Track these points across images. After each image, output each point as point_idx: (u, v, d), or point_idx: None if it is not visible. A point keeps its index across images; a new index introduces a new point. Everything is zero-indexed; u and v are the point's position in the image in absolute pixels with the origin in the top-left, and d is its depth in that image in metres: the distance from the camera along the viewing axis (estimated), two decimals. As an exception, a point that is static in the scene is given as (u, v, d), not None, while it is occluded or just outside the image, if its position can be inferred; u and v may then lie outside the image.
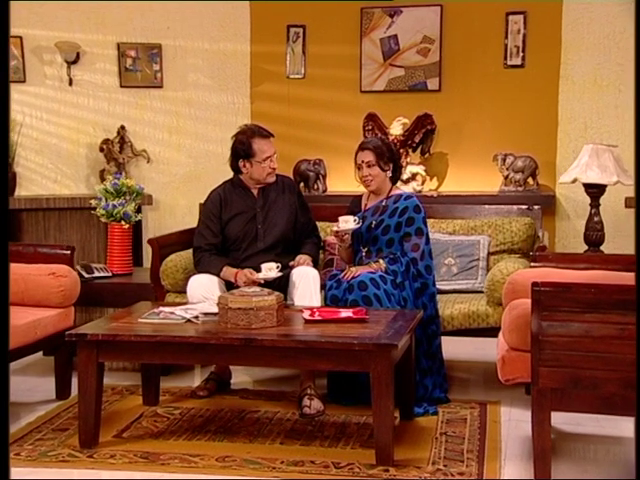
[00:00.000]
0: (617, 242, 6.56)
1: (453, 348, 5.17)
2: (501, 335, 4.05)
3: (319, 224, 5.40)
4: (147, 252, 6.96)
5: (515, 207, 5.59)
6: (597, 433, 4.30)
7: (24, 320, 4.48)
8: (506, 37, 6.96)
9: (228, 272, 4.88)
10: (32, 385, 5.16)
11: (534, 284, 3.59)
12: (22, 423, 4.47)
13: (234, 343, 4.01)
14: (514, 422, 4.46)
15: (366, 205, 5.02)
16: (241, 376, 5.26)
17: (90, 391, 4.11)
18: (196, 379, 5.38)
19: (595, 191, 5.44)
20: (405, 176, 6.77)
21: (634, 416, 3.61)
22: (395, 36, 7.09)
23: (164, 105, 7.32)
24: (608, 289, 3.53)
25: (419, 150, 6.92)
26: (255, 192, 5.09)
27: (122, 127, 7.15)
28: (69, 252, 4.92)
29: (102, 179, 7.10)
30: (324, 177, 6.99)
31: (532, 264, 4.49)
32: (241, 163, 5.02)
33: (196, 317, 4.30)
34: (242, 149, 5.00)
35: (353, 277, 4.68)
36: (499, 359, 3.85)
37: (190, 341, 4.07)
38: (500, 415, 4.56)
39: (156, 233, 7.01)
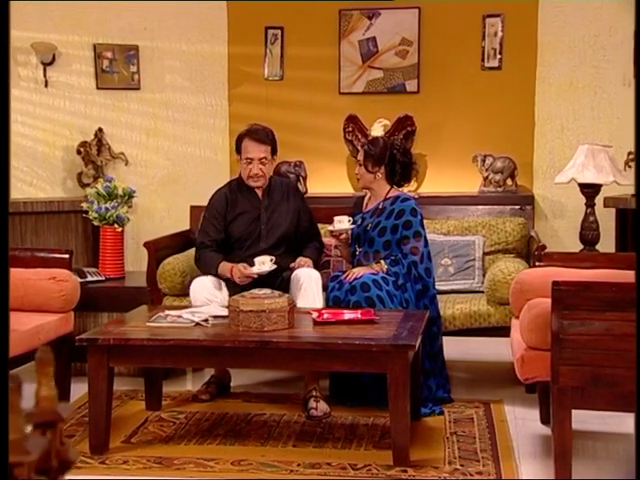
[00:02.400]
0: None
1: (450, 348, 5.18)
2: (517, 334, 4.09)
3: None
4: (128, 255, 6.88)
5: (508, 207, 5.65)
6: (604, 430, 4.36)
7: (28, 326, 4.41)
8: (483, 39, 7.03)
9: (224, 268, 4.88)
10: (27, 392, 5.05)
11: (555, 283, 3.62)
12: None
13: (249, 346, 4.00)
14: (520, 421, 4.51)
15: (367, 206, 5.06)
16: (238, 379, 5.22)
17: (101, 396, 4.06)
18: (188, 383, 5.35)
19: (591, 191, 5.53)
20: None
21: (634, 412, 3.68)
22: (374, 38, 7.11)
23: (141, 107, 7.24)
24: (628, 287, 3.58)
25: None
26: (260, 193, 5.07)
27: (100, 129, 7.06)
28: (67, 256, 4.85)
29: (80, 182, 7.02)
30: (305, 179, 6.98)
31: (537, 263, 4.53)
32: (237, 157, 5.07)
33: (205, 320, 4.27)
34: (237, 144, 5.06)
35: (355, 278, 4.69)
36: (518, 358, 3.88)
37: (204, 344, 4.05)
38: (505, 414, 4.60)
39: (135, 236, 6.96)
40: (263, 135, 5.01)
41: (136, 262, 6.82)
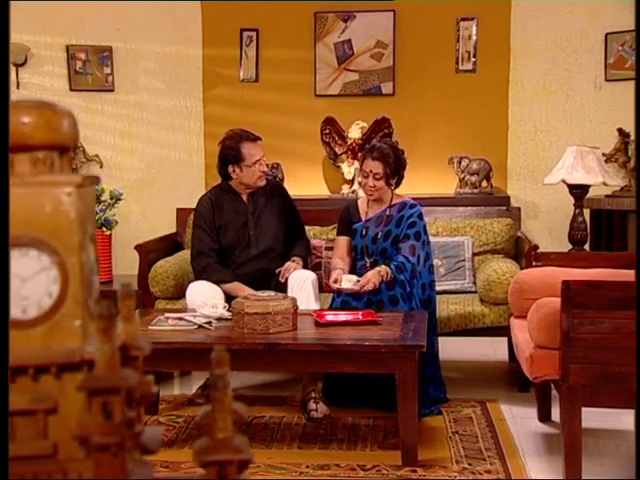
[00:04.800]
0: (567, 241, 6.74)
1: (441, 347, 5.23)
2: (521, 333, 4.13)
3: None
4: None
5: (495, 208, 5.71)
6: (602, 427, 4.42)
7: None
8: (457, 42, 7.09)
9: (237, 287, 4.78)
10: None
11: (564, 282, 3.67)
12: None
13: (257, 348, 3.99)
14: (518, 419, 4.55)
15: (367, 214, 4.91)
16: (231, 382, 5.18)
17: (106, 401, 4.01)
18: (177, 387, 5.32)
19: (579, 192, 5.61)
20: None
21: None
22: (349, 41, 7.13)
23: (116, 109, 7.16)
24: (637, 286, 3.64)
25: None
26: (245, 197, 5.03)
27: (74, 131, 6.95)
28: (61, 259, 4.77)
29: (53, 185, 6.92)
30: (282, 181, 6.97)
31: (534, 263, 4.59)
32: (230, 169, 4.96)
33: (209, 323, 4.25)
34: (231, 154, 4.93)
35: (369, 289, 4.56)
36: (527, 357, 3.91)
37: (211, 347, 4.01)
38: (502, 412, 4.65)
39: (110, 239, 6.87)
40: (253, 135, 5.01)
41: (113, 265, 6.74)
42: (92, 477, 1.16)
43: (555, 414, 4.49)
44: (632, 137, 6.60)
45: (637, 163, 5.76)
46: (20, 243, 1.29)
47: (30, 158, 1.35)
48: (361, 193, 6.72)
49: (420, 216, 4.79)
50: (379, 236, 4.82)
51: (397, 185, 4.90)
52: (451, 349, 5.57)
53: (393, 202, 4.88)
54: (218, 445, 1.30)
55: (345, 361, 3.99)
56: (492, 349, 5.78)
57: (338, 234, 5.04)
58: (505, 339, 5.44)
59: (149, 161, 7.25)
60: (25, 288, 1.29)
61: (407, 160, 4.94)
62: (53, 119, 1.36)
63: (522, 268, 4.98)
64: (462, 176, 6.87)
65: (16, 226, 1.28)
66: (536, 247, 4.93)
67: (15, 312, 1.28)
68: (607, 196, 6.43)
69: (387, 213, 4.85)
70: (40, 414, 1.22)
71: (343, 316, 4.37)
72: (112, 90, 7.15)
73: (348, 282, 4.61)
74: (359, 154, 6.80)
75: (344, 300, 4.64)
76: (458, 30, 7.08)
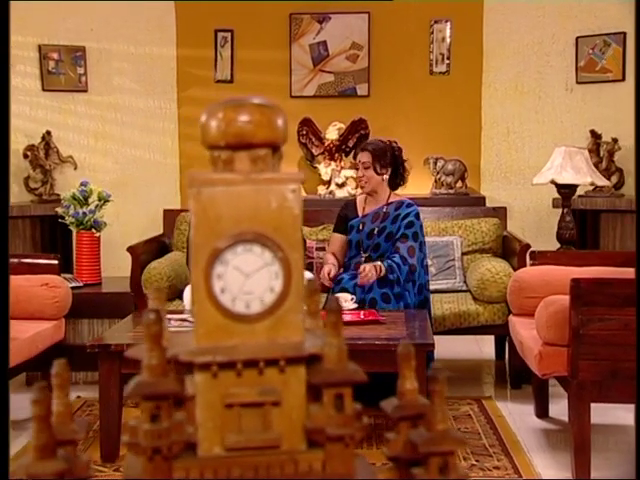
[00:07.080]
0: (541, 239, 6.80)
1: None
2: (525, 331, 4.20)
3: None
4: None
5: (481, 208, 5.79)
6: (601, 422, 4.48)
7: (26, 334, 4.28)
8: (431, 44, 7.15)
9: None
10: (21, 402, 4.88)
11: (574, 280, 3.73)
12: (25, 441, 4.25)
13: (266, 348, 3.97)
14: (517, 416, 4.61)
15: (364, 209, 4.98)
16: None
17: (112, 404, 3.98)
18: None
19: (567, 191, 5.69)
20: (340, 180, 6.86)
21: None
22: (324, 42, 7.15)
23: (89, 110, 7.08)
24: (646, 283, 3.71)
25: (352, 155, 6.99)
26: None
27: (48, 132, 6.86)
28: (57, 262, 4.72)
29: (27, 187, 6.83)
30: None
31: (531, 262, 4.65)
32: None
33: (213, 324, 4.23)
34: None
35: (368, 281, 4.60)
36: (535, 354, 3.96)
37: (221, 348, 4.00)
38: (499, 410, 4.69)
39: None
40: None
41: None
42: (322, 468, 1.17)
43: (553, 410, 4.56)
44: (604, 139, 6.73)
45: (637, 164, 5.86)
46: (244, 239, 1.29)
47: (250, 156, 1.35)
48: (339, 194, 6.78)
49: (417, 216, 4.84)
50: (375, 232, 4.87)
51: (394, 181, 4.93)
52: (438, 347, 5.60)
53: (390, 200, 4.93)
54: (440, 436, 1.31)
55: (354, 360, 3.97)
56: (477, 347, 5.84)
57: (334, 231, 5.12)
58: (492, 337, 5.51)
59: (123, 162, 7.18)
60: (248, 283, 1.29)
61: (405, 159, 4.95)
62: (273, 117, 1.36)
63: (514, 267, 5.04)
64: (438, 177, 6.94)
65: (241, 222, 1.28)
66: (528, 246, 5.01)
67: (239, 307, 1.28)
68: (580, 196, 6.54)
69: (384, 210, 4.91)
70: (267, 406, 1.22)
71: (346, 316, 4.37)
72: (85, 90, 7.06)
73: (345, 302, 4.48)
74: (336, 155, 6.87)
75: (343, 288, 4.66)
76: (432, 32, 7.15)
